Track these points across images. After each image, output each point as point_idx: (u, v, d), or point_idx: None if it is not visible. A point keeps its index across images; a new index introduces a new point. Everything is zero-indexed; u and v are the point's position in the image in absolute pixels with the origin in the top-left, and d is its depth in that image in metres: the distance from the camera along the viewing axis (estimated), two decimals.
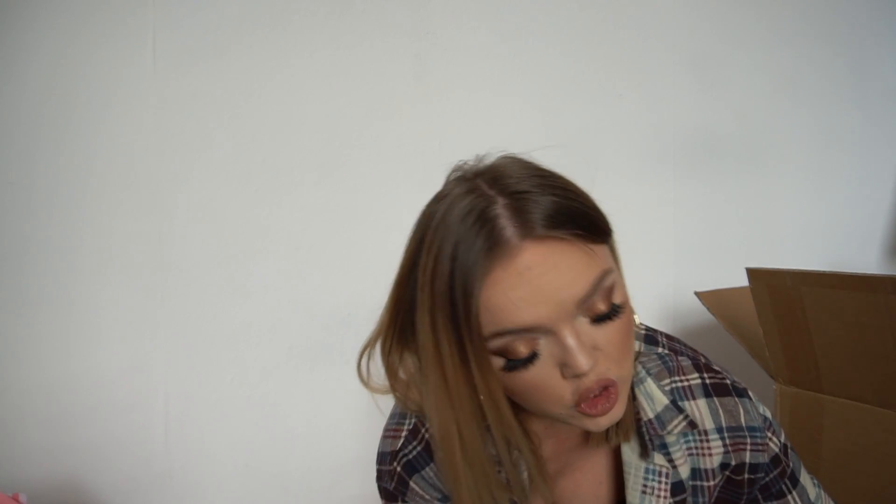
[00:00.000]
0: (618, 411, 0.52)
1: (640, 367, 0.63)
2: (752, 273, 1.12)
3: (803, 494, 0.66)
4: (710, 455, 0.62)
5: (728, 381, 0.65)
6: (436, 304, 0.51)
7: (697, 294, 1.32)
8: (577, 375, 0.50)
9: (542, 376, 0.51)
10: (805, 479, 0.67)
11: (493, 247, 0.49)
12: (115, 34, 1.43)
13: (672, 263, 1.64)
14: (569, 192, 0.54)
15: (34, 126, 1.41)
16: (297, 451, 1.52)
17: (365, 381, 0.62)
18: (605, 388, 0.51)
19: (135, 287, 1.46)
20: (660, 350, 0.66)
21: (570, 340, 0.49)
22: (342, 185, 1.51)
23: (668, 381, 0.63)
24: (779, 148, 1.70)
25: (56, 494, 1.43)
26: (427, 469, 0.65)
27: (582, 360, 0.49)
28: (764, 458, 0.63)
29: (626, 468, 0.61)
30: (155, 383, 1.48)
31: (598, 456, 0.65)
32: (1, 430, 1.43)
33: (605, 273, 0.51)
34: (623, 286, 0.54)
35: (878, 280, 0.96)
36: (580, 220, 0.52)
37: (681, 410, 0.62)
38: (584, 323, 0.51)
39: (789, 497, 0.65)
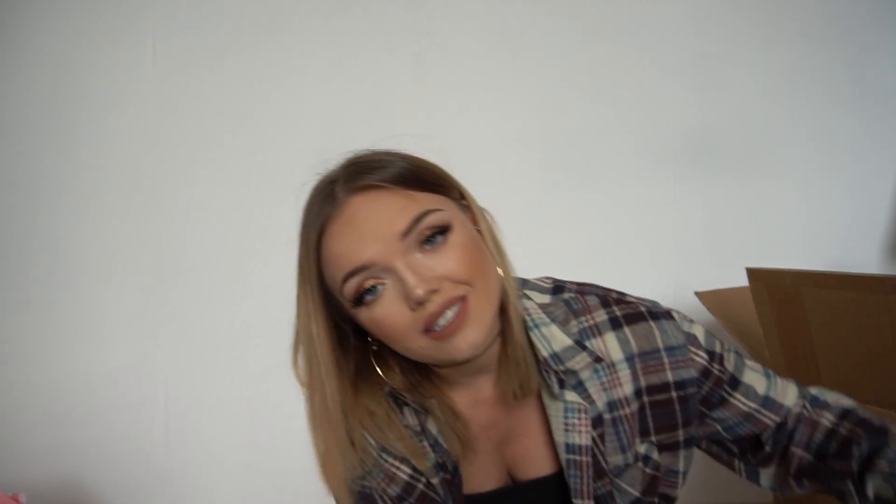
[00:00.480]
0: (474, 333, 0.57)
1: (542, 315, 0.66)
2: (752, 273, 1.12)
3: (749, 392, 0.67)
4: (621, 385, 0.64)
5: (643, 308, 0.67)
6: (301, 272, 0.63)
7: (697, 294, 1.32)
8: (419, 302, 0.55)
9: (391, 312, 0.57)
10: (750, 376, 0.68)
11: (326, 206, 0.60)
12: (116, 35, 1.43)
13: (672, 263, 1.64)
14: (401, 158, 0.61)
15: (36, 127, 1.42)
16: (297, 451, 1.51)
17: (302, 380, 0.69)
18: (453, 307, 0.56)
19: (136, 287, 1.46)
20: (565, 296, 0.68)
21: (403, 271, 0.56)
22: None
23: (574, 323, 0.66)
24: (778, 148, 1.70)
25: (57, 494, 1.43)
26: None
27: (412, 281, 0.55)
28: (690, 373, 0.64)
29: (548, 412, 0.65)
30: (156, 383, 1.48)
31: (533, 414, 0.67)
32: (2, 430, 1.43)
33: (429, 212, 0.57)
34: (469, 230, 0.61)
35: (878, 280, 0.96)
36: (403, 173, 0.59)
37: (584, 348, 0.64)
38: (419, 257, 0.57)
39: (732, 400, 0.67)
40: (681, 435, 0.66)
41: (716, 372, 0.66)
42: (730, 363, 0.67)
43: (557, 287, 0.69)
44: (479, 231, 0.63)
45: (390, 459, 0.67)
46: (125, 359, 1.46)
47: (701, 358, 0.65)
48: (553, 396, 0.64)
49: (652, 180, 1.63)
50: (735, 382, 0.67)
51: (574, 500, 0.64)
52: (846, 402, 0.70)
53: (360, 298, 0.58)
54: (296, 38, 1.48)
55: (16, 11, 1.40)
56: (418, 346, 0.58)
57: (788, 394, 0.69)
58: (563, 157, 1.58)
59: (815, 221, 1.72)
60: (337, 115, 1.50)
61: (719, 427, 0.68)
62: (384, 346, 0.62)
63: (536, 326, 0.65)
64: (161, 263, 1.46)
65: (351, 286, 0.58)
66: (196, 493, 1.50)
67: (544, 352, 0.64)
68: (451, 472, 0.66)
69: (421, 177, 0.60)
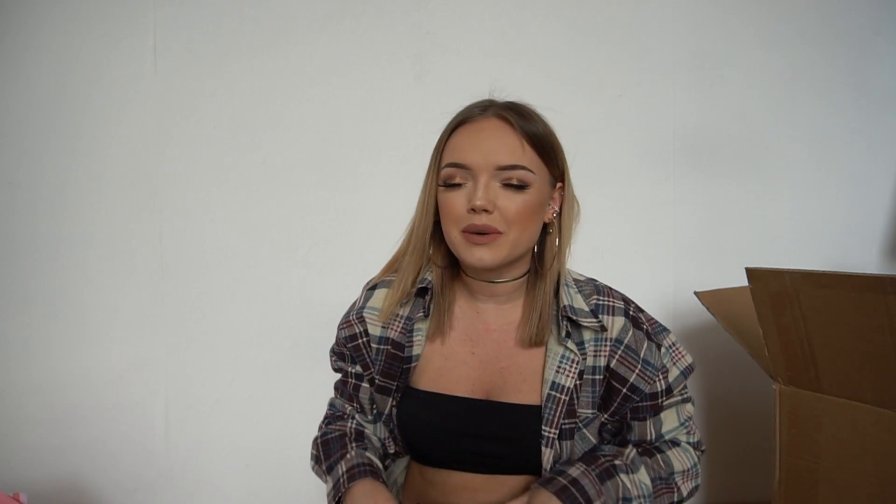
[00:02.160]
0: (489, 255, 0.75)
1: (573, 284, 0.84)
2: (752, 273, 1.12)
3: (657, 424, 0.84)
4: (605, 355, 0.80)
5: (645, 327, 0.83)
6: (438, 140, 0.80)
7: (697, 294, 1.32)
8: (474, 209, 0.74)
9: (457, 201, 0.76)
10: (669, 417, 0.84)
11: (476, 110, 0.78)
12: (117, 35, 1.44)
13: (672, 263, 1.65)
14: (544, 124, 0.80)
15: (35, 127, 1.42)
16: (297, 451, 1.52)
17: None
18: (489, 234, 0.75)
19: (135, 287, 1.46)
20: (597, 282, 0.86)
21: (481, 185, 0.74)
22: (342, 186, 1.51)
23: (595, 298, 0.83)
24: (778, 148, 1.70)
25: (57, 494, 1.43)
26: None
27: (480, 195, 0.74)
28: (644, 388, 0.81)
29: (548, 353, 0.81)
30: (156, 383, 1.48)
31: (535, 359, 0.82)
32: (2, 430, 1.43)
33: (524, 168, 0.75)
34: (541, 199, 0.78)
35: (878, 280, 0.96)
36: (534, 131, 0.77)
37: (596, 316, 0.81)
38: (496, 185, 0.75)
39: (648, 423, 0.84)
40: (602, 417, 0.83)
41: (659, 401, 0.82)
42: (674, 403, 0.84)
43: (593, 279, 0.87)
44: (559, 211, 0.82)
45: (353, 315, 0.87)
46: (125, 359, 1.46)
47: (660, 385, 0.82)
48: (558, 341, 0.80)
49: (652, 180, 1.63)
50: (658, 410, 0.83)
51: (543, 427, 0.78)
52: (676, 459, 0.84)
53: (448, 184, 0.77)
54: (296, 38, 1.48)
55: (17, 12, 1.40)
56: (455, 235, 0.77)
57: (679, 438, 0.86)
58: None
59: (815, 221, 1.72)
60: (337, 115, 1.50)
61: (626, 436, 0.85)
62: (442, 237, 0.81)
63: (567, 285, 0.82)
64: (161, 263, 1.46)
65: (447, 172, 0.77)
66: (196, 493, 1.50)
67: (566, 301, 0.81)
68: (403, 355, 0.83)
69: (542, 142, 0.78)
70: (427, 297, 0.84)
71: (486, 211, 0.74)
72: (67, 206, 1.43)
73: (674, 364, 0.83)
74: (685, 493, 0.82)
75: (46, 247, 1.43)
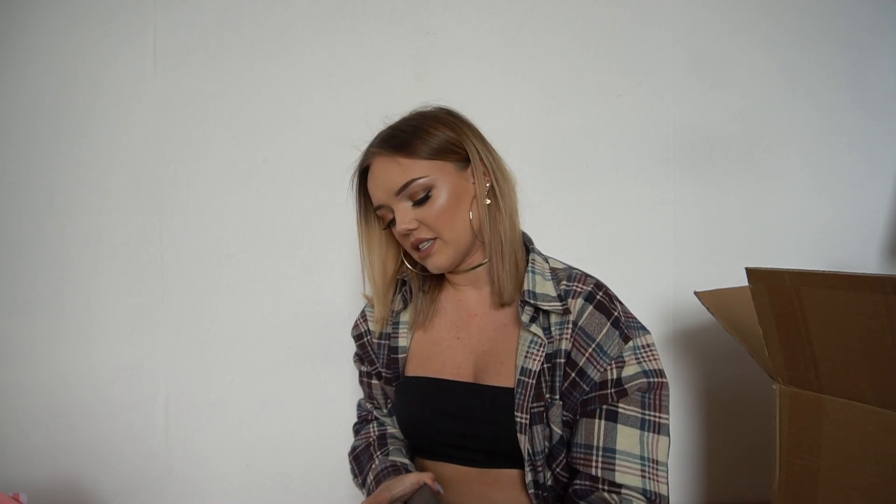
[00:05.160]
0: (439, 260, 0.84)
1: (545, 270, 0.87)
2: (752, 273, 1.12)
3: (610, 434, 0.75)
4: (567, 339, 0.81)
5: (616, 314, 0.81)
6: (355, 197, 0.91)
7: (697, 294, 1.32)
8: (403, 234, 0.84)
9: (398, 233, 0.85)
10: (626, 434, 0.74)
11: (368, 156, 0.87)
12: (116, 35, 1.44)
13: (672, 263, 1.65)
14: (410, 128, 0.84)
15: (34, 126, 1.42)
16: (297, 451, 1.52)
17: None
18: (424, 243, 0.83)
19: (135, 287, 1.46)
20: (573, 270, 0.88)
21: (398, 213, 0.83)
22: (342, 186, 1.51)
23: (565, 283, 0.85)
24: (779, 148, 1.70)
25: (57, 494, 1.43)
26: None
27: (398, 219, 0.83)
28: (593, 374, 0.77)
29: (520, 340, 0.83)
30: (155, 383, 1.48)
31: (511, 343, 0.84)
32: (2, 430, 1.43)
33: (414, 180, 0.81)
34: (453, 190, 0.82)
35: (878, 280, 0.95)
36: (399, 145, 0.82)
37: (562, 300, 0.82)
38: (408, 206, 0.83)
39: (596, 422, 0.76)
40: (560, 408, 0.80)
41: (608, 393, 0.76)
42: (629, 407, 0.75)
43: (573, 267, 0.90)
44: (490, 185, 0.85)
45: (360, 316, 1.00)
46: (125, 359, 1.46)
47: (612, 375, 0.77)
48: (525, 327, 0.82)
49: (652, 180, 1.63)
50: (613, 417, 0.75)
51: (516, 413, 0.79)
52: None
53: (388, 224, 0.87)
54: (296, 37, 1.48)
55: (15, 12, 1.40)
56: (414, 254, 0.87)
57: (630, 478, 0.73)
58: (563, 157, 1.58)
59: (816, 221, 1.72)
60: (337, 115, 1.50)
61: (573, 438, 0.78)
62: None
63: (533, 272, 0.86)
64: (161, 263, 1.46)
65: (380, 213, 0.88)
66: (196, 493, 1.50)
67: (527, 286, 0.84)
68: (391, 345, 0.92)
69: (417, 150, 0.82)
70: (405, 289, 0.93)
71: (411, 229, 0.83)
72: (67, 207, 1.43)
73: (637, 362, 0.76)
74: None
75: (45, 247, 1.43)
